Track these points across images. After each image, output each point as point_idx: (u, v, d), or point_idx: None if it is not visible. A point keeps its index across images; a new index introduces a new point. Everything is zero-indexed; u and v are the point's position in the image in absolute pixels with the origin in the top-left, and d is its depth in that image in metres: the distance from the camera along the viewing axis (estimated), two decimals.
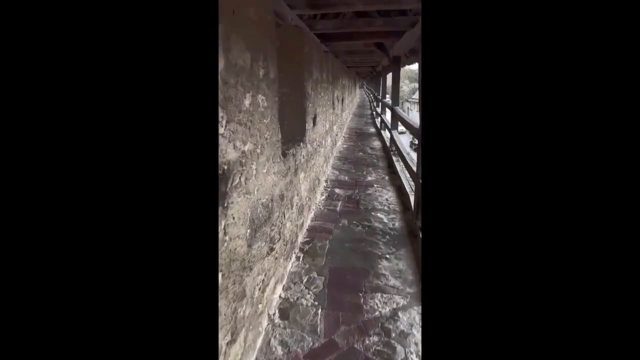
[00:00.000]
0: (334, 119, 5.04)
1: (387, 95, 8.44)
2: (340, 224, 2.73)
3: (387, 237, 2.48)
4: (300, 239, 2.40)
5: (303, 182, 2.51)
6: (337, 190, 3.61)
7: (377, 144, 6.32)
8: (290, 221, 2.09)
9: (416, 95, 34.88)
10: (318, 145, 3.37)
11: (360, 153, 5.49)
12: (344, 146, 6.08)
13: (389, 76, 8.19)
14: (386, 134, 6.82)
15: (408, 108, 35.50)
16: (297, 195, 2.29)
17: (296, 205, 2.25)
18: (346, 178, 4.10)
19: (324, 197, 3.41)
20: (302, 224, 2.48)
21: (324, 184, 3.80)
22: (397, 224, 2.70)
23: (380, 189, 3.63)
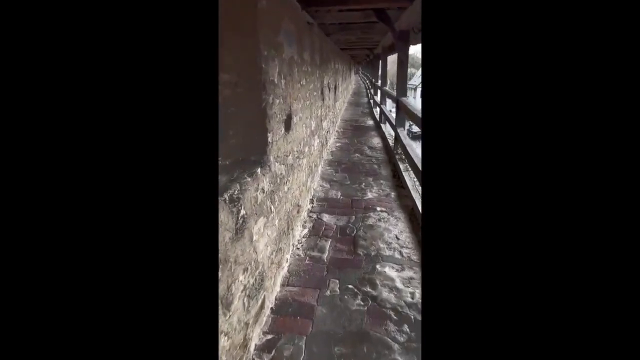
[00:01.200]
0: (324, 114, 3.97)
1: (387, 82, 7.30)
2: (328, 293, 1.71)
3: (406, 326, 1.48)
4: (255, 339, 1.38)
5: (263, 234, 1.48)
6: (325, 218, 2.58)
7: (376, 141, 5.26)
8: (228, 336, 1.08)
9: (413, 81, 33.61)
10: (298, 157, 2.33)
11: (357, 155, 4.44)
12: (337, 144, 5.02)
13: (390, 59, 7.06)
14: (387, 129, 5.76)
15: None
16: (246, 271, 1.27)
17: (242, 292, 1.22)
18: (339, 195, 3.07)
19: (306, 230, 2.39)
20: (263, 303, 1.47)
21: (309, 206, 2.77)
22: (418, 294, 1.70)
23: (386, 215, 2.61)
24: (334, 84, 5.57)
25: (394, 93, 4.49)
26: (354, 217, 2.60)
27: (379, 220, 2.53)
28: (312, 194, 3.03)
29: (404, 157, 3.69)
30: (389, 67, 8.45)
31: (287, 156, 1.98)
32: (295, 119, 2.20)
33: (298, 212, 2.34)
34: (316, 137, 3.37)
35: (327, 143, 4.46)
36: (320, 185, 3.29)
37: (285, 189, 1.95)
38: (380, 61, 7.26)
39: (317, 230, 2.39)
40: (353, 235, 2.31)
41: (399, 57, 3.85)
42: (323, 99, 3.92)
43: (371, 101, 9.51)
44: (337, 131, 5.96)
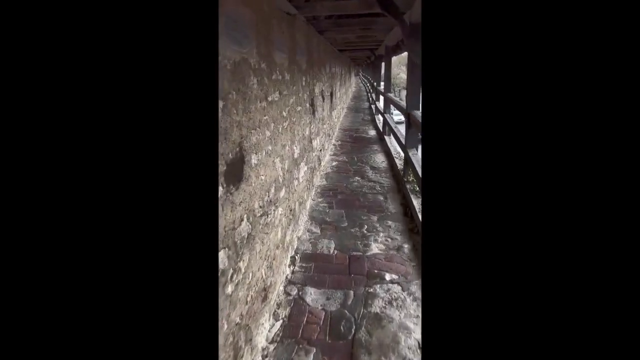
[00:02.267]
0: (314, 130, 3.15)
1: (393, 88, 6.45)
2: None
3: None
4: None
5: None
6: (310, 298, 1.74)
7: (380, 159, 4.43)
8: None
9: None
10: (264, 214, 1.50)
11: (357, 179, 3.61)
12: (334, 163, 4.20)
13: (395, 61, 6.22)
14: (392, 143, 4.93)
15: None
16: None
17: None
18: (332, 247, 2.24)
19: (278, 326, 1.55)
20: None
21: (287, 272, 1.94)
22: None
23: (400, 291, 1.77)
24: (330, 91, 4.75)
25: (402, 103, 3.66)
26: (352, 293, 1.76)
27: (390, 302, 1.69)
28: (295, 247, 2.20)
29: (417, 187, 2.86)
30: (394, 72, 7.63)
31: (234, 229, 1.16)
32: (254, 160, 1.37)
33: (265, 297, 1.51)
34: (302, 164, 2.54)
35: (320, 164, 3.63)
36: (308, 231, 2.46)
37: (229, 289, 1.12)
38: (383, 63, 6.43)
39: (294, 327, 1.55)
40: (350, 337, 1.48)
41: (409, 59, 3.02)
42: (314, 112, 3.09)
43: (372, 107, 8.67)
44: (334, 145, 5.13)
